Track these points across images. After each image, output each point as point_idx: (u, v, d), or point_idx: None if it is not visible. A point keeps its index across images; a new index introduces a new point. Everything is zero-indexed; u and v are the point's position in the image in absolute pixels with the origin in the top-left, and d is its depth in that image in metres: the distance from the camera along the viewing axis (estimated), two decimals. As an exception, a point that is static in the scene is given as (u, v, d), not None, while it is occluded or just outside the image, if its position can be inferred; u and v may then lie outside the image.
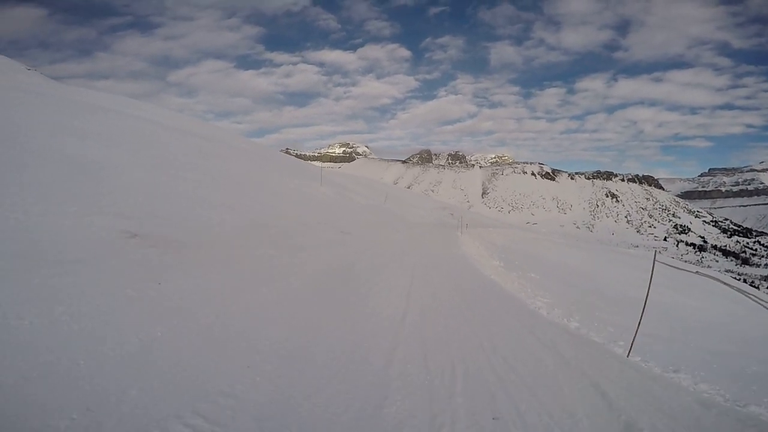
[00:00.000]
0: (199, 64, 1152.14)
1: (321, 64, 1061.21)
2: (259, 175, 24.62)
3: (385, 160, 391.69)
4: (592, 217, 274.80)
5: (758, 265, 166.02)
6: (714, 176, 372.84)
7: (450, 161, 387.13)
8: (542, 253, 18.96)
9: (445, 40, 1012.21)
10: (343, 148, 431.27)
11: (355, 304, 6.76)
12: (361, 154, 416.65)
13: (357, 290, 7.70)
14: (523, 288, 9.77)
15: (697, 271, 23.96)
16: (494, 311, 7.54)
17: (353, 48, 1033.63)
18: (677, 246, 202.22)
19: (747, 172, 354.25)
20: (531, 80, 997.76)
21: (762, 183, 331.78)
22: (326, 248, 11.75)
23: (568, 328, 6.78)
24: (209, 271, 6.49)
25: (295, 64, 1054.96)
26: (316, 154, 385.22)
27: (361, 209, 29.04)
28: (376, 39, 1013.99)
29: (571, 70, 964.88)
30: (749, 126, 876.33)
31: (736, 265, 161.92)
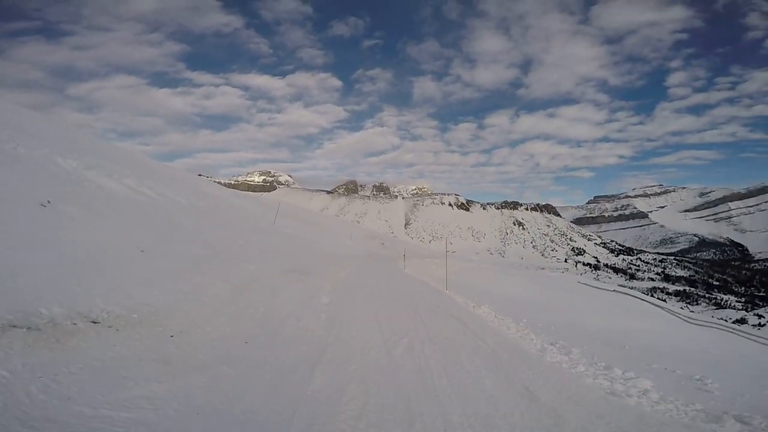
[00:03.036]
0: (107, 78, 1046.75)
1: (246, 88, 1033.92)
2: None
3: (309, 190, 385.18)
4: (502, 243, 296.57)
5: (642, 279, 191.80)
6: (598, 203, 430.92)
7: (375, 192, 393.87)
8: (516, 292, 18.03)
9: (375, 72, 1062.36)
10: (264, 177, 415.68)
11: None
12: (283, 184, 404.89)
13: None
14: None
15: (614, 290, 24.23)
16: None
17: (283, 74, 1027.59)
18: (576, 266, 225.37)
19: (623, 198, 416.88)
20: (448, 115, 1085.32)
21: (635, 208, 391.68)
22: None
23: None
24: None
25: (217, 85, 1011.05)
26: (232, 182, 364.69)
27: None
28: (308, 67, 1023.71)
29: (481, 106, 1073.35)
30: (621, 156, 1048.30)
31: (626, 280, 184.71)
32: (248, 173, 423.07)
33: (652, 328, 15.37)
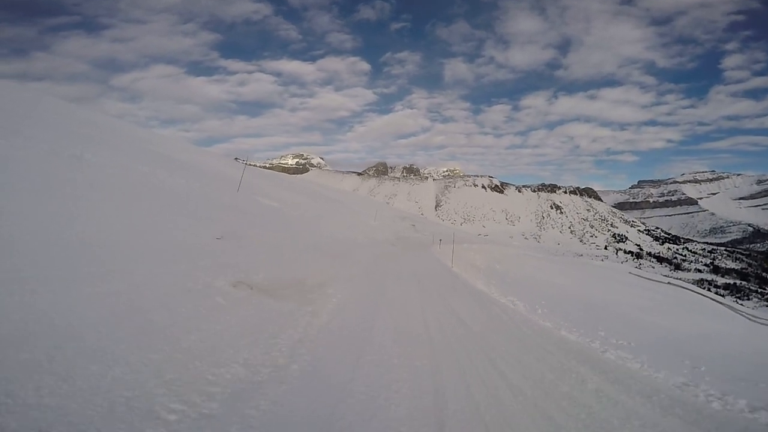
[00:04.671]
0: (147, 68, 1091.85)
1: (278, 74, 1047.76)
2: None
3: (340, 171, 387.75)
4: (538, 228, 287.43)
5: (689, 270, 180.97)
6: (643, 188, 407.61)
7: (404, 174, 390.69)
8: (579, 290, 16.11)
9: (403, 55, 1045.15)
10: (297, 159, 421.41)
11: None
12: (315, 166, 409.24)
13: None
14: None
15: (669, 282, 21.56)
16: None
17: (313, 59, 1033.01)
18: (617, 254, 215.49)
19: (671, 183, 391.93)
20: (480, 97, 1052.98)
21: (684, 194, 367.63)
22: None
23: None
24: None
25: (250, 72, 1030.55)
26: (267, 165, 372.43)
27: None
28: (337, 51, 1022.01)
29: (516, 88, 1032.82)
30: (669, 141, 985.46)
31: (670, 270, 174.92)
32: (282, 156, 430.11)
33: (729, 332, 13.57)
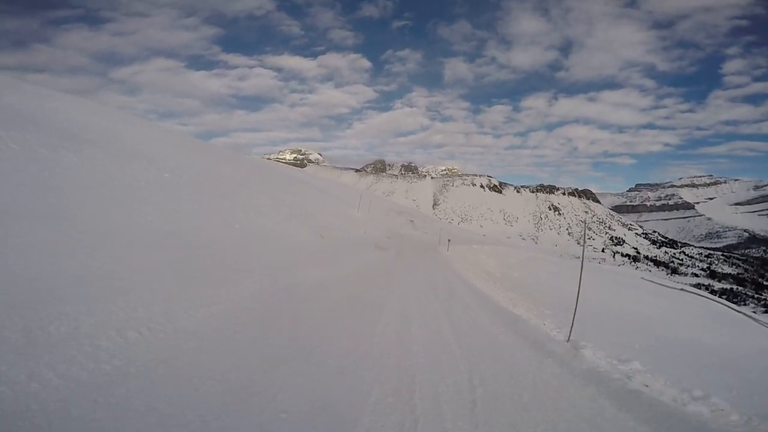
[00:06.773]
0: (147, 62, 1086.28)
1: (279, 69, 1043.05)
2: None
3: (337, 167, 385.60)
4: (536, 229, 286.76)
5: (685, 274, 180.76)
6: (640, 191, 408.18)
7: (403, 172, 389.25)
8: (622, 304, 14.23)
9: (404, 53, 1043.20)
10: (295, 155, 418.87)
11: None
12: (313, 161, 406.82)
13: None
14: None
15: (682, 288, 18.60)
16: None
17: (314, 55, 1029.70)
18: (614, 257, 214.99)
19: (668, 187, 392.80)
20: (480, 96, 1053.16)
21: (681, 198, 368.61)
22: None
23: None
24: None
25: (251, 67, 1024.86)
26: (264, 160, 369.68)
27: None
28: (339, 48, 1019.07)
29: (517, 89, 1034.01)
30: (667, 144, 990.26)
31: (667, 274, 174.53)
32: (280, 152, 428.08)
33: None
